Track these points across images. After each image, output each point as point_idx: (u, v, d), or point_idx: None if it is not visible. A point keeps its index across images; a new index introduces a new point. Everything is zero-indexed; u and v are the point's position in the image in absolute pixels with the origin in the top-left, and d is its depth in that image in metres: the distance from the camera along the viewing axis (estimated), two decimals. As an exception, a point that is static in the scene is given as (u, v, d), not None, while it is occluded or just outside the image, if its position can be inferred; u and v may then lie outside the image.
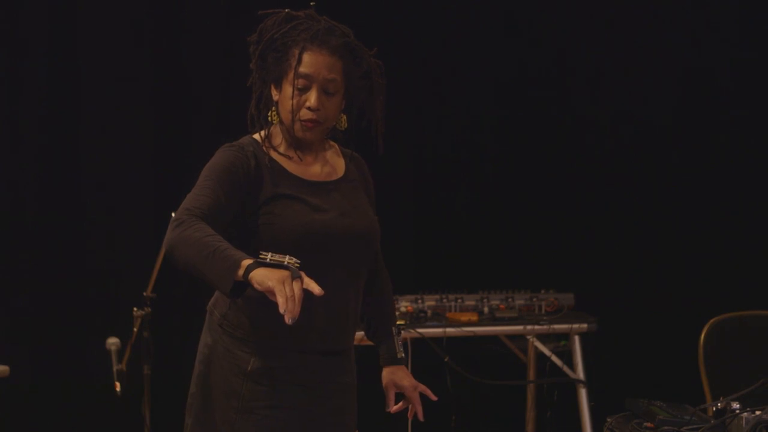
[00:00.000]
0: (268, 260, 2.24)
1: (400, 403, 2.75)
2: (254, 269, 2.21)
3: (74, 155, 5.04)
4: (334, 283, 2.49)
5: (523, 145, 5.49)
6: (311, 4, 2.60)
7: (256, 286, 2.19)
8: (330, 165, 2.65)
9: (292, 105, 2.51)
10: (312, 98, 2.51)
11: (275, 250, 2.33)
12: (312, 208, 2.51)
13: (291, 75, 2.51)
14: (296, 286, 2.19)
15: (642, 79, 5.45)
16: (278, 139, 2.59)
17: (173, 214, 3.87)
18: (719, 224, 5.34)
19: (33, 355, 4.94)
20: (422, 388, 2.73)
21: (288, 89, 2.52)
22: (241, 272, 2.22)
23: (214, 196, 2.42)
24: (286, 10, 2.58)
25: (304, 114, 2.52)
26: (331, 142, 2.70)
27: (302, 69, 2.50)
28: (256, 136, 2.59)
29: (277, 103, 2.57)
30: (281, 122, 2.58)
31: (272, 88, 2.57)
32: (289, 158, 2.57)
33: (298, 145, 2.59)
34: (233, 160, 2.49)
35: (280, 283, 2.18)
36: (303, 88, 2.51)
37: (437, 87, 5.49)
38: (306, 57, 2.51)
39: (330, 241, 2.50)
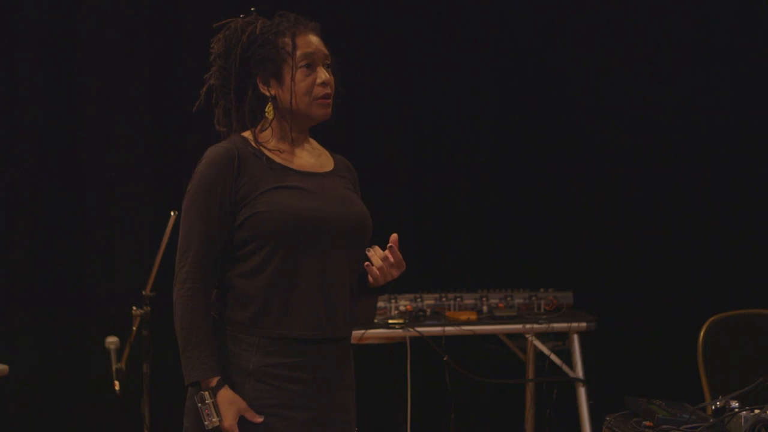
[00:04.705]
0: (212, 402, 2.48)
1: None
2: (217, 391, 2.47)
3: (74, 155, 5.05)
4: (330, 267, 2.53)
5: (523, 144, 5.50)
6: (251, 9, 2.67)
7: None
8: (318, 159, 2.70)
9: (306, 85, 2.58)
10: (322, 73, 2.60)
11: (271, 237, 2.47)
12: (304, 194, 2.55)
13: (291, 60, 2.58)
14: None
15: (642, 79, 5.45)
16: (267, 135, 2.63)
17: (172, 213, 3.91)
18: (718, 223, 5.34)
19: (33, 354, 4.94)
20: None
21: (292, 74, 2.58)
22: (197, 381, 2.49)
23: (208, 240, 2.51)
24: (241, 15, 2.65)
25: (318, 91, 2.60)
26: (315, 142, 2.73)
27: (304, 50, 2.59)
28: (245, 133, 2.63)
29: (274, 97, 2.61)
30: (282, 115, 2.61)
31: (260, 84, 2.61)
32: (280, 152, 2.61)
33: (299, 129, 2.64)
34: (215, 173, 2.53)
35: (231, 419, 2.46)
36: (308, 66, 2.59)
37: (437, 86, 5.49)
38: (300, 40, 2.60)
39: (325, 225, 2.53)
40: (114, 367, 4.11)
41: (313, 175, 2.62)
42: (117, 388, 4.09)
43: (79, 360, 4.95)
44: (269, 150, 2.59)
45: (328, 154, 2.74)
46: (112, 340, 4.19)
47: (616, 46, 5.44)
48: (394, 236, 2.56)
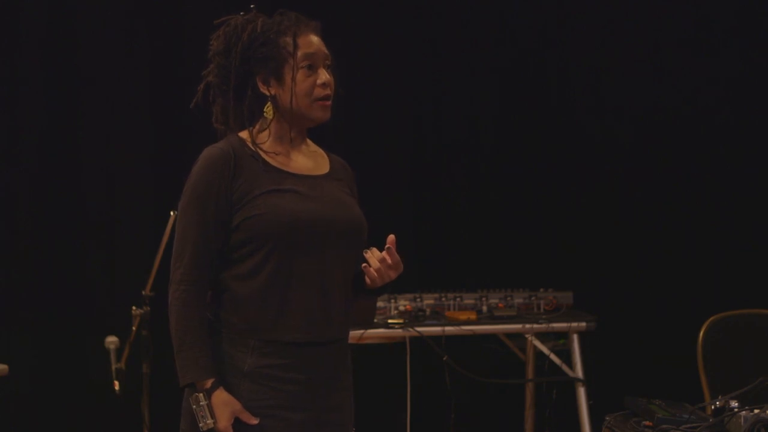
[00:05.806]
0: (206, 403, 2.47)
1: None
2: (212, 392, 2.46)
3: (74, 155, 5.05)
4: (326, 270, 2.52)
5: (523, 144, 5.50)
6: (251, 6, 2.66)
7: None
8: (314, 161, 2.69)
9: (306, 86, 2.57)
10: (322, 75, 2.59)
11: (268, 239, 2.46)
12: (300, 197, 2.54)
13: (292, 61, 2.56)
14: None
15: (642, 79, 5.45)
16: (264, 135, 2.62)
17: (172, 213, 3.91)
18: (718, 223, 5.34)
19: (33, 353, 4.94)
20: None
21: (293, 74, 2.57)
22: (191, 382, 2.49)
23: (203, 241, 2.51)
24: (242, 13, 2.64)
25: (319, 92, 2.59)
26: (312, 143, 2.73)
27: (305, 50, 2.58)
28: (242, 134, 2.62)
29: (273, 96, 2.60)
30: (282, 115, 2.61)
31: (260, 84, 2.60)
32: (276, 154, 2.60)
33: (298, 130, 2.63)
34: (211, 173, 2.52)
35: (226, 420, 2.45)
36: (309, 67, 2.57)
37: (437, 86, 5.49)
38: (302, 40, 2.58)
39: (321, 228, 2.52)
40: (114, 367, 4.11)
41: (309, 178, 2.61)
42: (117, 388, 4.09)
43: (79, 360, 4.95)
44: (265, 152, 2.58)
45: (325, 155, 2.73)
46: (111, 340, 4.19)
47: (616, 46, 5.44)
48: (392, 237, 2.55)
